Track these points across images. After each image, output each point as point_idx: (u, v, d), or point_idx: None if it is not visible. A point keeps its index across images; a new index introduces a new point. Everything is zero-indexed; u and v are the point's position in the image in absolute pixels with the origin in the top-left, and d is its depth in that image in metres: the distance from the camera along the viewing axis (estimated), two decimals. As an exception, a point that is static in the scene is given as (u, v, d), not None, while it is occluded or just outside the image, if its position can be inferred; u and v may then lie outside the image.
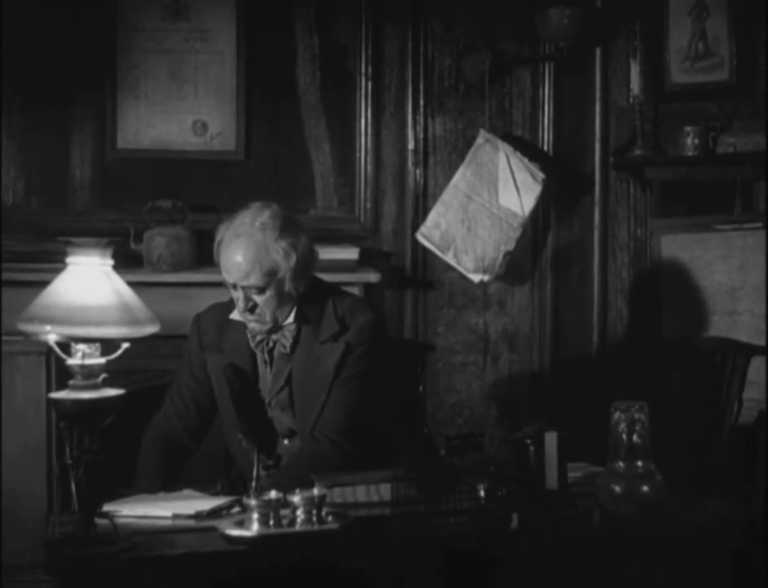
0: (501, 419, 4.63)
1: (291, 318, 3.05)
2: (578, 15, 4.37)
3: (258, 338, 3.08)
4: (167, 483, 2.99)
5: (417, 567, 2.51)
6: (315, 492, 2.53)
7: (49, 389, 3.86)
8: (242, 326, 3.09)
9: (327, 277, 4.05)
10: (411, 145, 4.54)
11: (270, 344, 3.08)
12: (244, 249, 2.96)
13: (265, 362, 3.10)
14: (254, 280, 2.96)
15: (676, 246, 4.44)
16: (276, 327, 3.05)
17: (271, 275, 2.97)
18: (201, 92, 4.41)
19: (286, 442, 3.11)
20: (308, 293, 3.07)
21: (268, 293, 2.98)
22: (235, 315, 3.09)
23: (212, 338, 3.15)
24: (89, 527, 2.41)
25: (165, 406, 3.20)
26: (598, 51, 4.60)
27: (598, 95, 4.61)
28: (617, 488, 2.63)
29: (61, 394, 2.44)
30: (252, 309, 3.00)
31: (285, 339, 3.06)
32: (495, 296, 4.64)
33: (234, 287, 3.01)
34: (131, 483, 3.03)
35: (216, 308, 3.19)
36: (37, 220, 4.29)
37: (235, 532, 2.46)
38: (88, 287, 2.46)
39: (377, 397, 3.10)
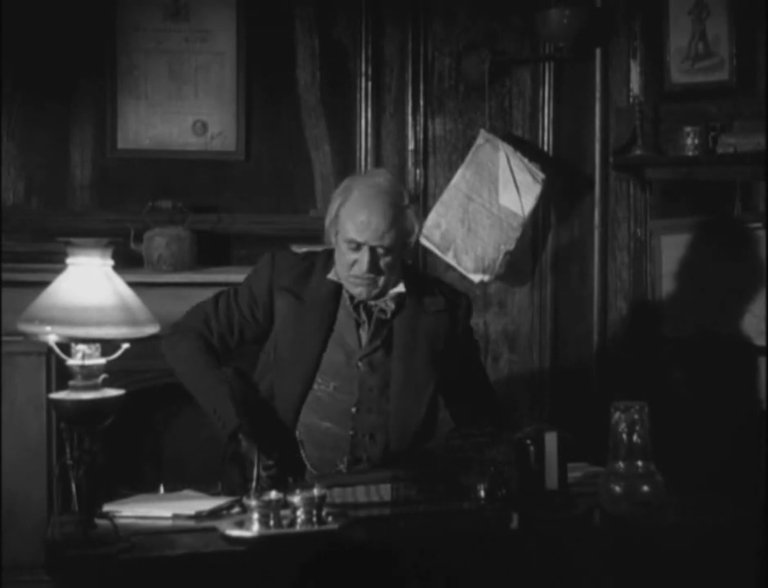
0: (501, 419, 4.62)
1: (401, 287, 3.02)
2: (578, 16, 4.37)
3: (357, 300, 3.03)
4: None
5: (417, 567, 2.50)
6: (315, 492, 2.53)
7: (49, 390, 3.86)
8: (328, 282, 3.03)
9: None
10: (411, 146, 4.54)
11: (371, 307, 3.03)
12: (384, 208, 2.91)
13: (359, 322, 3.03)
14: (389, 240, 2.91)
15: (676, 246, 4.44)
16: (383, 292, 3.00)
17: (404, 238, 2.95)
18: (201, 92, 4.41)
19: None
20: (406, 268, 3.09)
21: (393, 256, 2.94)
22: (333, 275, 3.03)
23: (288, 282, 3.04)
24: (89, 528, 2.41)
25: (207, 316, 3.09)
26: (598, 51, 4.59)
27: (598, 95, 4.61)
28: (617, 488, 2.63)
29: (61, 395, 2.44)
30: (376, 269, 2.94)
31: (387, 306, 3.02)
32: (495, 296, 4.64)
33: (358, 247, 2.93)
34: (130, 484, 3.02)
35: (295, 255, 3.15)
36: (37, 221, 4.28)
37: (235, 533, 2.46)
38: (88, 288, 2.46)
39: None
